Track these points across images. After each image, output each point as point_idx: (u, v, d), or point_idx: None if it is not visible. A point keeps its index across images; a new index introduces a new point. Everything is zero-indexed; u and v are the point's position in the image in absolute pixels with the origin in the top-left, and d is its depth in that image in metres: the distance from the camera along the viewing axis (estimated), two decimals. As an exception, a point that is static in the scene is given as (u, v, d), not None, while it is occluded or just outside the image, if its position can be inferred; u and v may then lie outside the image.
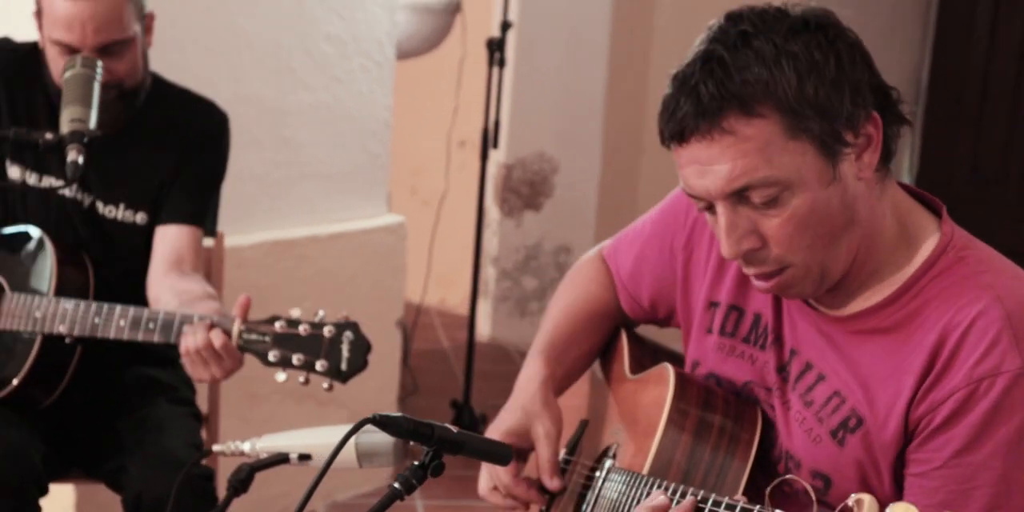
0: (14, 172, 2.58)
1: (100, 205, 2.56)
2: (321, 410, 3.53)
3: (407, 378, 4.43)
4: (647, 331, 1.97)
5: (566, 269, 5.22)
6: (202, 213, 2.61)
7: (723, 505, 1.40)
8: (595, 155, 5.10)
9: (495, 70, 4.07)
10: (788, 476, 1.54)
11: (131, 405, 2.54)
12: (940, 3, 5.12)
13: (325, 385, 2.19)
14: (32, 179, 2.57)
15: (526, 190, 5.26)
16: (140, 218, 2.57)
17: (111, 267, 2.55)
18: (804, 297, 1.59)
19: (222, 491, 2.40)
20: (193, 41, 3.24)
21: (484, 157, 4.20)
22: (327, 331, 2.16)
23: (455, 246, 5.22)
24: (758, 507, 1.36)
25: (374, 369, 3.72)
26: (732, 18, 1.50)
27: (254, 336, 2.19)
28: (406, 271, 3.86)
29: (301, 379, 2.19)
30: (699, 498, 1.43)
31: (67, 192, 2.54)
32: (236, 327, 2.20)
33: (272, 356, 2.18)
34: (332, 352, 2.16)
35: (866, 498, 1.20)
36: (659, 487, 1.55)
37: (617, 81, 5.04)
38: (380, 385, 3.78)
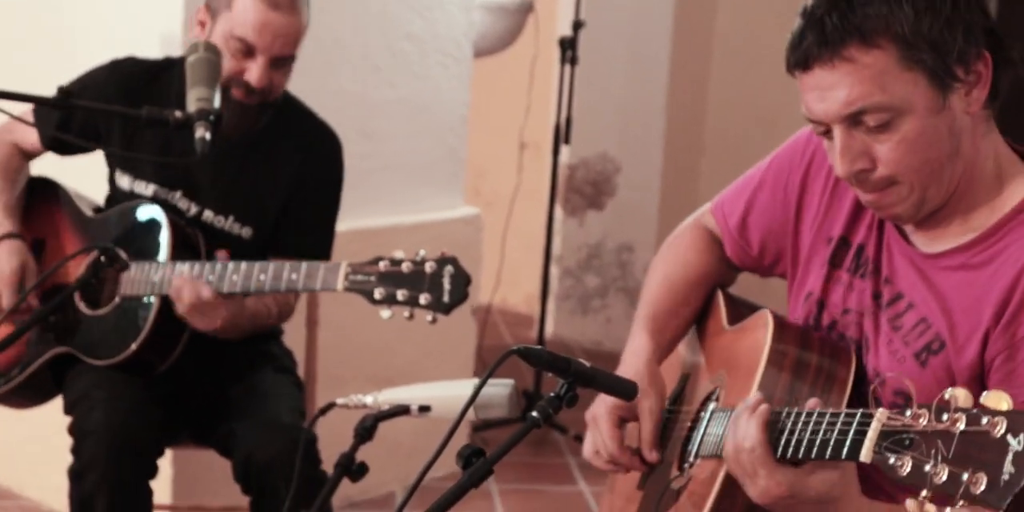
0: (123, 181, 2.71)
1: (209, 214, 2.67)
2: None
3: (480, 369, 4.55)
4: (740, 291, 2.08)
5: (628, 267, 5.39)
6: (321, 246, 2.72)
7: (797, 413, 1.52)
8: (657, 155, 5.20)
9: (567, 68, 4.19)
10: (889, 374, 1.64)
11: (239, 374, 2.67)
12: None
13: (429, 318, 2.28)
14: (140, 188, 2.69)
15: (589, 190, 5.37)
16: (246, 232, 2.68)
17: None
18: (902, 220, 1.73)
19: (327, 455, 2.54)
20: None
21: (556, 154, 4.31)
22: (428, 267, 2.27)
23: (518, 245, 5.33)
24: (831, 410, 1.47)
25: (450, 357, 3.87)
26: None
27: (359, 277, 2.30)
28: (481, 262, 3.98)
29: (406, 314, 2.28)
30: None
31: (172, 199, 2.66)
32: (342, 270, 2.31)
33: (378, 294, 2.28)
34: (434, 286, 2.26)
35: (960, 392, 1.30)
36: None
37: (678, 82, 5.14)
38: (458, 373, 3.90)
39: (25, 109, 2.54)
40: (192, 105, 2.18)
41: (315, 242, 2.71)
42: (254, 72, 2.52)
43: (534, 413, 1.51)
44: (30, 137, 2.72)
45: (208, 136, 2.14)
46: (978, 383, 1.66)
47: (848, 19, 1.59)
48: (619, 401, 1.87)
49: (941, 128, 1.63)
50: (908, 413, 1.34)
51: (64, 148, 2.74)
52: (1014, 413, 1.25)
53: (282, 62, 2.56)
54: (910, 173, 1.65)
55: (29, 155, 2.77)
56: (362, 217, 3.63)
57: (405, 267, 2.28)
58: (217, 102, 2.22)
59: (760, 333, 1.78)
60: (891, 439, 1.35)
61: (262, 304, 2.60)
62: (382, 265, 2.29)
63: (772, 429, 1.54)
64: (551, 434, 4.26)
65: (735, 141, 5.07)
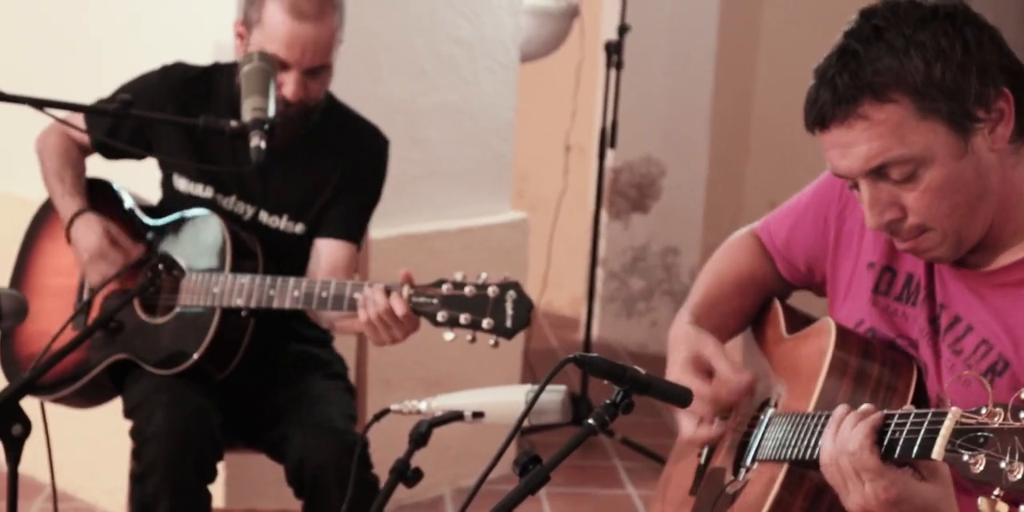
0: (180, 184, 2.75)
1: (264, 215, 2.71)
2: (452, 396, 3.67)
3: (527, 373, 4.57)
4: (798, 304, 2.09)
5: (673, 270, 5.39)
6: (359, 231, 2.77)
7: (899, 415, 1.50)
8: (702, 158, 5.20)
9: (612, 72, 4.20)
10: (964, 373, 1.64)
11: (291, 380, 2.70)
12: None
13: (491, 342, 2.32)
14: (197, 190, 2.73)
15: (634, 193, 5.37)
16: (299, 229, 2.72)
17: (270, 270, 2.65)
18: (942, 260, 1.72)
19: (376, 459, 2.56)
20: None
21: (602, 158, 4.33)
22: (491, 291, 2.30)
23: (564, 249, 5.35)
24: (932, 410, 1.46)
25: (499, 360, 3.88)
26: (866, 14, 1.65)
27: (423, 299, 2.34)
28: (527, 266, 4.00)
29: (469, 337, 2.32)
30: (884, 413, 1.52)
31: (227, 204, 2.70)
32: (405, 291, 2.35)
33: (441, 317, 2.32)
34: (497, 310, 2.29)
35: None
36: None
37: (723, 85, 5.14)
38: (505, 376, 3.91)
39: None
40: (247, 114, 2.22)
41: (350, 224, 2.74)
42: (289, 86, 2.55)
43: (590, 420, 1.52)
44: (84, 137, 2.77)
45: (263, 145, 2.17)
46: None
47: (859, 76, 1.60)
48: (687, 359, 1.89)
49: (966, 172, 1.63)
50: (984, 411, 1.34)
51: (112, 152, 2.78)
52: None
53: (317, 71, 2.58)
54: (941, 219, 1.65)
55: (85, 150, 2.82)
56: (410, 223, 3.66)
57: (468, 291, 2.31)
58: (272, 111, 2.25)
59: (823, 340, 1.79)
60: (965, 436, 1.35)
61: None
62: (445, 288, 2.33)
63: (879, 432, 1.50)
64: (599, 437, 4.27)
65: (780, 144, 5.06)
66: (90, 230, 2.66)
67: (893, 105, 1.59)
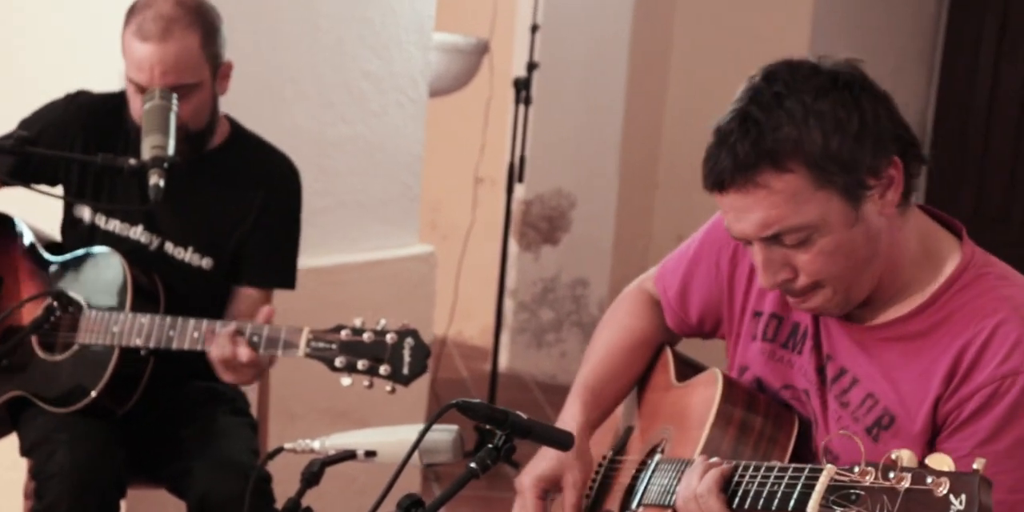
0: (83, 213, 2.72)
1: (170, 246, 2.69)
2: (357, 429, 3.67)
3: (433, 405, 4.57)
4: (688, 350, 2.13)
5: (582, 301, 5.44)
6: (284, 273, 2.77)
7: (754, 467, 1.58)
8: (611, 191, 5.26)
9: (521, 108, 4.25)
10: (840, 432, 1.69)
11: (194, 415, 2.69)
12: (944, 46, 5.31)
13: (388, 388, 2.34)
14: (100, 222, 2.71)
15: (544, 225, 5.42)
16: (206, 263, 2.70)
17: (172, 308, 2.64)
18: (831, 315, 1.78)
19: (282, 493, 2.56)
20: (240, 75, 3.42)
21: (510, 191, 4.37)
22: (390, 338, 2.32)
23: (474, 279, 5.37)
24: (782, 464, 1.54)
25: (404, 394, 3.86)
26: (768, 78, 1.68)
27: (321, 344, 2.36)
28: (435, 299, 4.01)
29: (366, 383, 2.35)
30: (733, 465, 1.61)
31: (133, 234, 2.68)
32: (304, 336, 2.35)
33: (339, 362, 2.34)
34: (395, 357, 2.32)
35: (905, 453, 1.37)
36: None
37: (633, 119, 5.21)
38: (410, 409, 3.91)
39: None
40: (147, 153, 2.23)
41: (279, 272, 2.76)
42: None
43: (472, 465, 1.54)
44: None
45: (162, 183, 2.17)
46: (931, 448, 1.70)
47: (759, 144, 1.63)
48: (544, 473, 1.93)
49: (858, 237, 1.68)
50: (856, 470, 1.39)
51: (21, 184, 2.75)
52: (956, 474, 1.32)
53: (180, 91, 2.54)
54: (832, 279, 1.70)
55: None
56: (317, 255, 3.65)
57: (367, 337, 2.34)
58: (172, 149, 2.25)
59: (710, 390, 1.83)
60: (838, 493, 1.39)
61: None
62: (344, 334, 2.35)
63: (727, 479, 1.58)
64: (504, 468, 4.28)
65: (688, 178, 5.10)
66: None
67: (791, 175, 1.63)
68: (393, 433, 2.00)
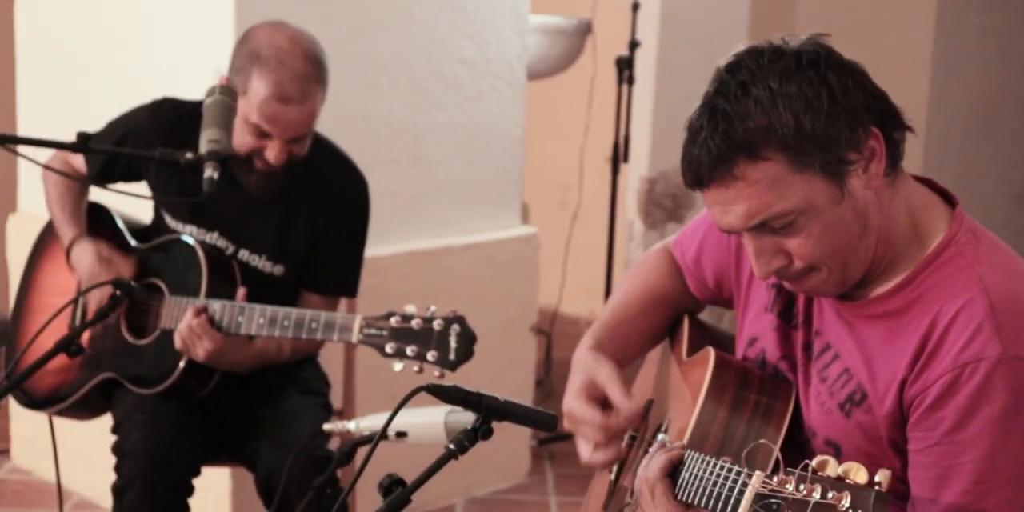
0: (167, 219, 2.86)
1: (245, 253, 2.82)
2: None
3: (547, 382, 4.63)
4: (710, 318, 2.14)
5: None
6: (347, 283, 2.89)
7: (700, 459, 1.61)
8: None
9: (624, 88, 4.25)
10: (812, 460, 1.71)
11: (268, 396, 2.82)
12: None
13: (436, 373, 2.41)
14: (179, 228, 2.84)
15: (669, 203, 5.41)
16: (279, 270, 2.83)
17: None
18: (831, 295, 1.77)
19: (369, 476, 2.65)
20: (335, 66, 3.51)
21: (615, 172, 4.38)
22: (436, 324, 2.39)
23: (595, 259, 5.40)
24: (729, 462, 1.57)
25: (509, 372, 3.94)
26: (731, 69, 1.68)
27: (372, 331, 2.44)
28: (538, 279, 4.06)
29: (415, 368, 2.41)
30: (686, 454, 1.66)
31: (209, 239, 2.81)
32: (357, 323, 2.45)
33: (389, 348, 2.42)
34: (441, 343, 2.39)
35: (828, 459, 1.40)
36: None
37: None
38: (516, 388, 3.98)
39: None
40: (204, 146, 2.30)
41: (342, 279, 2.88)
42: (272, 153, 2.65)
43: (451, 446, 1.59)
44: (83, 166, 2.91)
45: (216, 175, 2.24)
46: (899, 430, 1.69)
47: (730, 137, 1.61)
48: (580, 387, 1.94)
49: (846, 214, 1.66)
50: (775, 479, 1.41)
51: (110, 182, 2.91)
52: (858, 488, 1.34)
53: (300, 138, 2.68)
54: (826, 260, 1.68)
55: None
56: (417, 239, 3.74)
57: (415, 323, 2.41)
58: (229, 143, 2.34)
59: (703, 371, 1.84)
60: (763, 502, 1.41)
61: (273, 343, 2.75)
62: (393, 320, 2.43)
63: (675, 468, 1.62)
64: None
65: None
66: (84, 255, 2.80)
67: (767, 163, 1.62)
68: (424, 414, 2.06)
